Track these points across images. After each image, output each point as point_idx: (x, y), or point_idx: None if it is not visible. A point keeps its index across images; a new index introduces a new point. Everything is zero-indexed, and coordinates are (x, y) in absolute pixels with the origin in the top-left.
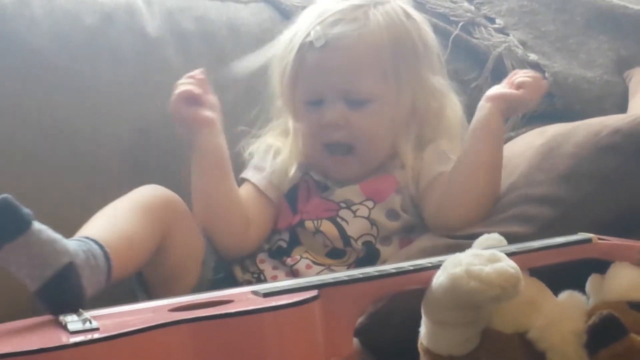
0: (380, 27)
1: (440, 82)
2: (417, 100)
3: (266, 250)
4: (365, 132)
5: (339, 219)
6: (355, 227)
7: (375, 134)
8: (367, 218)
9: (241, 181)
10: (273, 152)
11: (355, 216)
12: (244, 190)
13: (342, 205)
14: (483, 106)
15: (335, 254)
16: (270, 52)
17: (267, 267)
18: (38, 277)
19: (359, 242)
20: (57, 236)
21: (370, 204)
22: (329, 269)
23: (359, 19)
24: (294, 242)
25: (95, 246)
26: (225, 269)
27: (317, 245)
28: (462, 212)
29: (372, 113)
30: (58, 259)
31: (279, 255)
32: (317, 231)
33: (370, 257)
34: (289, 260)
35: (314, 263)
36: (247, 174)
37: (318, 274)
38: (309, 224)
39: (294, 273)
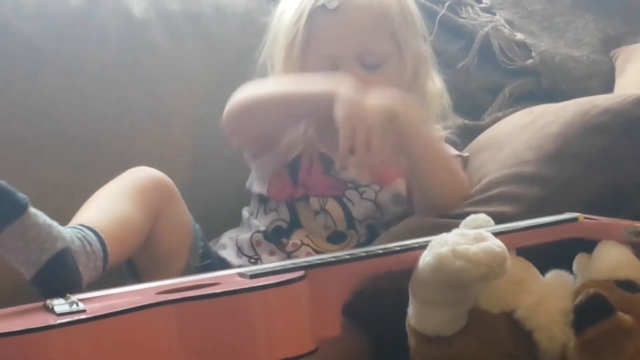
0: None
1: (429, 52)
2: (416, 67)
3: (262, 231)
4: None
5: (345, 199)
6: (361, 209)
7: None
8: (374, 201)
9: None
10: None
11: (362, 198)
12: None
13: (350, 185)
14: None
15: (336, 238)
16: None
17: (263, 251)
18: (34, 262)
19: (363, 225)
20: (53, 222)
21: (376, 187)
22: None
23: None
24: (295, 223)
25: (90, 233)
26: (212, 256)
27: (317, 227)
28: (436, 202)
29: (385, 75)
30: (54, 244)
31: (277, 236)
32: (322, 210)
33: (372, 241)
34: (289, 246)
35: (315, 251)
36: None
37: None
38: (314, 201)
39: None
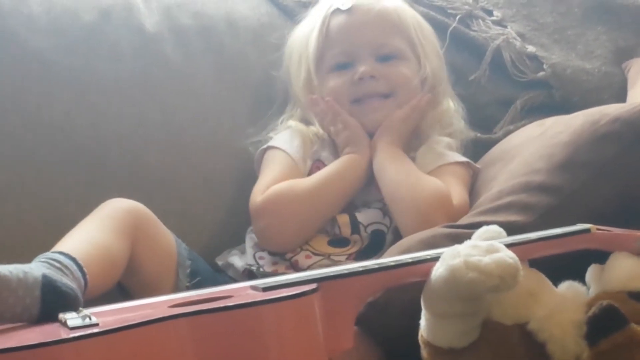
0: (401, 5)
1: (447, 76)
2: (433, 79)
3: (265, 249)
4: (401, 78)
5: (355, 212)
6: (367, 214)
7: (409, 81)
8: (381, 208)
9: (266, 150)
10: (299, 136)
11: (369, 207)
12: (282, 159)
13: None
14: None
15: (338, 242)
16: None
17: (266, 263)
18: (31, 304)
19: (368, 230)
20: (15, 264)
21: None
22: (328, 258)
23: None
24: None
25: (51, 254)
26: (202, 273)
27: (320, 234)
28: (411, 225)
29: (399, 68)
30: (34, 277)
31: None
32: (332, 219)
33: (375, 246)
34: (288, 253)
35: (313, 253)
36: (280, 144)
37: (317, 263)
38: None
39: (293, 265)
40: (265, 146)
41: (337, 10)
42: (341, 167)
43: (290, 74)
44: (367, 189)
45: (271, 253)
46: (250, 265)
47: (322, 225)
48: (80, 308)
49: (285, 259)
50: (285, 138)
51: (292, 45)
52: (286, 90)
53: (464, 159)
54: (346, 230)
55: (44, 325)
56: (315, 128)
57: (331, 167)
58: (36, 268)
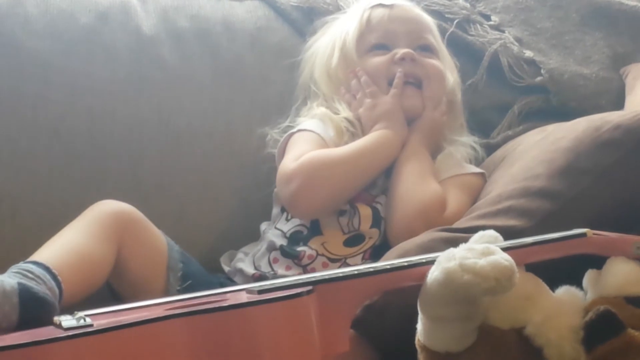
0: None
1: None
2: (452, 94)
3: (278, 247)
4: (435, 70)
5: (374, 203)
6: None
7: (442, 77)
8: None
9: (294, 134)
10: (332, 126)
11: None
12: (314, 139)
13: (380, 193)
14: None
15: (354, 241)
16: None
17: (280, 267)
18: (10, 311)
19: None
20: None
21: None
22: (345, 264)
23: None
24: (314, 229)
25: (24, 265)
26: (194, 276)
27: (336, 231)
28: (395, 227)
29: (434, 61)
30: (11, 286)
31: (294, 243)
32: (351, 207)
33: (386, 242)
34: (305, 259)
35: (330, 260)
36: (313, 128)
37: None
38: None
39: (308, 272)
40: (295, 130)
41: (379, 5)
42: (375, 142)
43: (315, 66)
44: (388, 175)
45: (284, 254)
46: (264, 272)
47: (351, 195)
48: (75, 311)
49: (300, 264)
50: (318, 125)
51: (319, 42)
52: (301, 92)
53: (479, 170)
54: (366, 224)
55: (38, 328)
56: (345, 114)
57: (365, 141)
58: (10, 278)
